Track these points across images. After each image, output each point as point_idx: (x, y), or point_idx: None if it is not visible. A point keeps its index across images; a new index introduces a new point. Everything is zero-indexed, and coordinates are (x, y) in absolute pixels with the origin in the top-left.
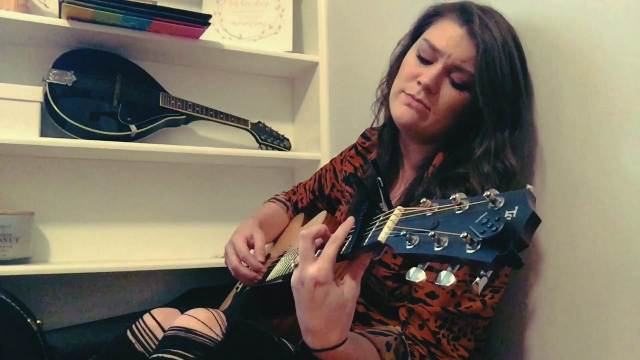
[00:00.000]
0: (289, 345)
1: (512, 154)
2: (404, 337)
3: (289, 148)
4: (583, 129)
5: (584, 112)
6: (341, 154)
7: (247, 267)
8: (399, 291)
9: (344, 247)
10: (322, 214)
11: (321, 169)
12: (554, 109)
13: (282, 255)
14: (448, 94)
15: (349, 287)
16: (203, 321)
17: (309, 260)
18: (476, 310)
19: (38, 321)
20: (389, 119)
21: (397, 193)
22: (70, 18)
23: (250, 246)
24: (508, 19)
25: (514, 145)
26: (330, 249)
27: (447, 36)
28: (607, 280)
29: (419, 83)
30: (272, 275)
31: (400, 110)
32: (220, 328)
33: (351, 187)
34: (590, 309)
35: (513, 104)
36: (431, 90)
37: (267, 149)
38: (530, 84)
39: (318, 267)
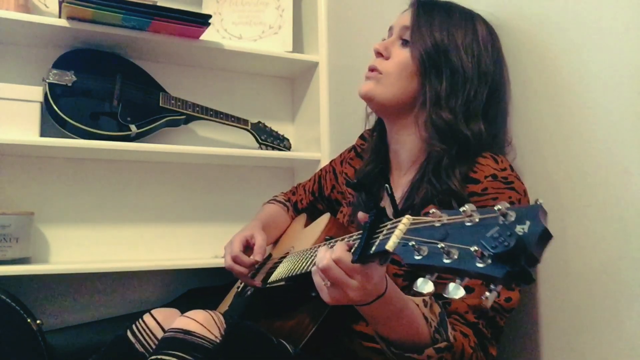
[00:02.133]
0: (287, 346)
1: (452, 111)
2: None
3: (289, 148)
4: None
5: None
6: (341, 155)
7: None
8: (408, 290)
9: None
10: (326, 217)
11: (321, 170)
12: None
13: (284, 257)
14: (397, 54)
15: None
16: (201, 323)
17: (351, 279)
18: (514, 302)
19: (38, 321)
20: (377, 119)
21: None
22: (70, 18)
23: (251, 246)
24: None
25: (454, 105)
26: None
27: (400, 16)
28: (607, 281)
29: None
30: (274, 277)
31: (361, 86)
32: (219, 330)
33: (357, 193)
34: (589, 310)
35: (445, 56)
36: (382, 53)
37: (267, 149)
38: (479, 53)
39: (363, 276)
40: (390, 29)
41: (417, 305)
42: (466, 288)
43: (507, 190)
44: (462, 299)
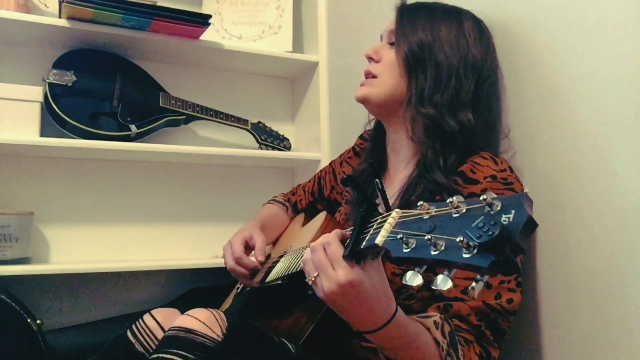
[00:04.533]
0: (289, 345)
1: (436, 105)
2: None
3: (289, 148)
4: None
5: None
6: (341, 156)
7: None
8: (407, 289)
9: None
10: (322, 215)
11: (320, 170)
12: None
13: (281, 256)
14: (386, 55)
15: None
16: (203, 321)
17: (331, 269)
18: (516, 304)
19: (38, 321)
20: (376, 122)
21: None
22: (70, 18)
23: (251, 247)
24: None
25: (439, 99)
26: (337, 252)
27: (388, 22)
28: (608, 280)
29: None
30: (271, 276)
31: (356, 92)
32: (221, 328)
33: (350, 188)
34: (589, 312)
35: (430, 52)
36: (373, 57)
37: (267, 149)
38: (466, 45)
39: (344, 271)
40: (381, 37)
41: (429, 329)
42: (466, 289)
43: (507, 192)
44: (464, 301)
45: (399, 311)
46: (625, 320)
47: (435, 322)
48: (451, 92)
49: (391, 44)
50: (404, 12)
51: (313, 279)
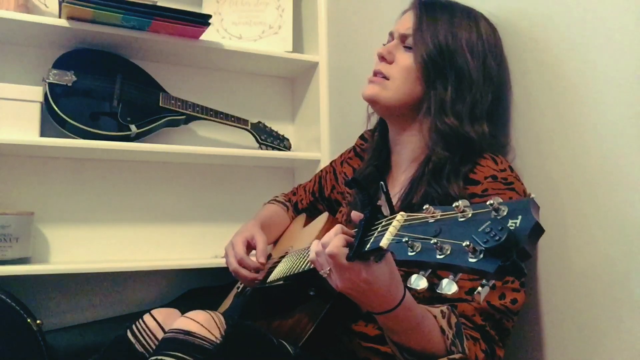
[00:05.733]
0: (288, 347)
1: (458, 115)
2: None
3: (289, 148)
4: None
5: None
6: (341, 155)
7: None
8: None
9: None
10: (324, 216)
11: (321, 170)
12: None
13: (283, 257)
14: (402, 58)
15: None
16: (202, 323)
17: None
18: (520, 304)
19: (38, 321)
20: (379, 119)
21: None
22: (70, 18)
23: (252, 247)
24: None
25: (460, 108)
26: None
27: (401, 20)
28: (608, 281)
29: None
30: (273, 276)
31: (365, 89)
32: (219, 330)
33: (352, 190)
34: (590, 310)
35: (450, 59)
36: (386, 58)
37: (267, 149)
38: (484, 53)
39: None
40: (391, 33)
41: (435, 317)
42: (470, 290)
43: (508, 191)
44: (469, 302)
45: (407, 295)
46: (625, 320)
47: (442, 311)
48: (471, 102)
49: (406, 47)
50: (422, 10)
51: (328, 272)
